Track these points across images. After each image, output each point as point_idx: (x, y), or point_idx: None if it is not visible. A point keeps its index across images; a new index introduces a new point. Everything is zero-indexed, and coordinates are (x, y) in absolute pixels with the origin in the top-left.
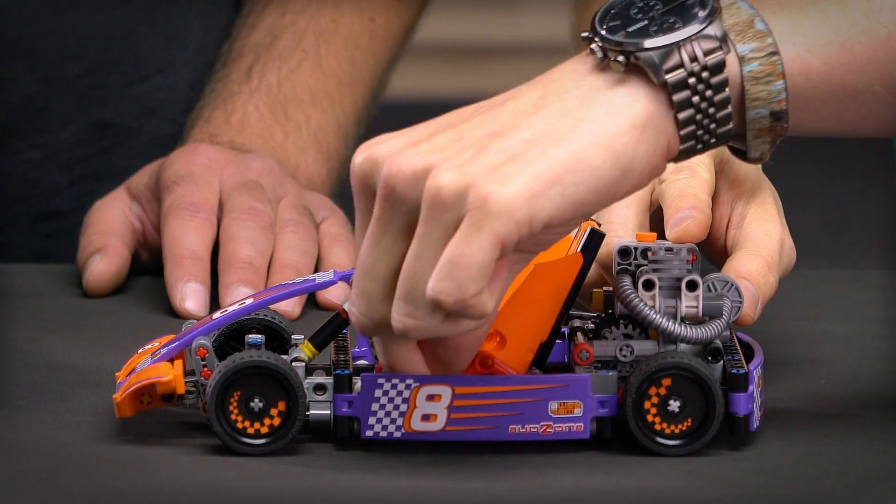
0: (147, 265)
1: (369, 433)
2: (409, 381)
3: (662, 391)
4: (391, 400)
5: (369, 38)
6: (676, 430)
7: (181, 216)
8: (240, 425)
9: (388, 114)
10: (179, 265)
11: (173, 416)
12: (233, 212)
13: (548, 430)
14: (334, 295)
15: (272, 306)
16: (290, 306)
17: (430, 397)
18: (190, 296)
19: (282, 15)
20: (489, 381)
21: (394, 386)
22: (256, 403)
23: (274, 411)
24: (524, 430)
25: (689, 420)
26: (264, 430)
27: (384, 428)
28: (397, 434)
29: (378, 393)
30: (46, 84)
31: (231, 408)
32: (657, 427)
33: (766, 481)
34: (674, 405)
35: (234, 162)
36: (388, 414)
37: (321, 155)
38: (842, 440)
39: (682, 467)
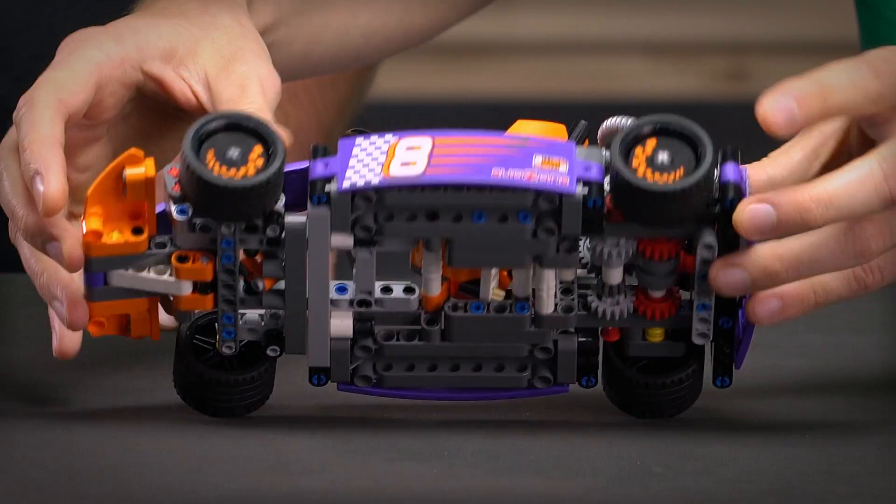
0: None
1: (346, 185)
2: (388, 137)
3: (649, 150)
4: (369, 154)
5: None
6: (669, 180)
7: None
8: (217, 173)
9: (378, 113)
10: None
11: (155, 417)
12: None
13: (532, 177)
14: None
15: None
16: None
17: (410, 148)
18: None
19: None
20: (472, 134)
21: (372, 143)
22: (233, 151)
23: (253, 155)
24: (507, 175)
25: (680, 170)
26: (244, 173)
27: (362, 177)
28: (375, 181)
29: (356, 150)
30: (20, 83)
31: (207, 160)
32: (641, 174)
33: (778, 502)
34: (663, 156)
35: None
36: (366, 165)
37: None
38: (856, 459)
39: (687, 488)
